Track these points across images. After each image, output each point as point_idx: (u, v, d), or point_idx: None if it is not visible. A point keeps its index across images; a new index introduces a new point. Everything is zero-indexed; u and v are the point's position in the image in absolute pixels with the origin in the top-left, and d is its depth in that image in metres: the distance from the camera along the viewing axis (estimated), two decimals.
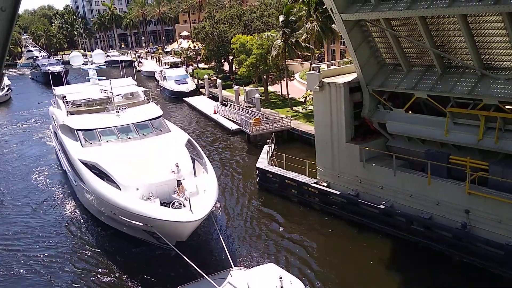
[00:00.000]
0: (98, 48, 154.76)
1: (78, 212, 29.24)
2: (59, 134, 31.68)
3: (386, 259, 21.64)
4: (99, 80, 38.33)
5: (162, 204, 21.72)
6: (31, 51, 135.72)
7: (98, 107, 32.69)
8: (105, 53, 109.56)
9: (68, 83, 42.47)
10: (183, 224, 19.99)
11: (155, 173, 23.33)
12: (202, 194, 22.16)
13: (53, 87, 38.88)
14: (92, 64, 40.75)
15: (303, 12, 46.58)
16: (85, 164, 25.06)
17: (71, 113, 31.67)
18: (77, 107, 33.16)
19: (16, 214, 30.42)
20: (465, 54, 20.55)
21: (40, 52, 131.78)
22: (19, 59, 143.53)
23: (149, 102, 34.05)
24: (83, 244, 25.43)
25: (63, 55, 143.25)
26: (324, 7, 39.94)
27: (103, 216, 25.22)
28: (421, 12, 20.01)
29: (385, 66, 24.43)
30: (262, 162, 31.00)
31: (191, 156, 26.21)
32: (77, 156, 26.02)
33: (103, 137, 27.50)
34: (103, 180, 23.69)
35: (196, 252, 22.02)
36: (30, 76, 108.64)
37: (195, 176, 24.43)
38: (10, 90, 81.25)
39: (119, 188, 22.83)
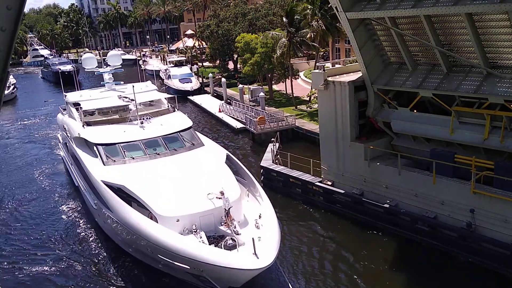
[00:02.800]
0: (103, 47, 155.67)
1: (98, 240, 24.91)
2: (73, 147, 27.70)
3: (390, 258, 21.59)
4: (116, 84, 34.29)
5: (208, 238, 17.91)
6: (37, 49, 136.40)
7: (117, 116, 28.89)
8: (108, 52, 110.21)
9: (79, 83, 38.01)
10: (246, 272, 16.11)
11: (197, 200, 19.15)
12: (258, 227, 18.45)
13: (64, 93, 34.73)
14: (106, 66, 36.33)
15: (308, 11, 46.55)
16: (110, 186, 21.11)
17: (88, 123, 27.47)
18: (89, 115, 29.38)
19: (25, 239, 26.13)
20: (470, 52, 20.46)
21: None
22: (25, 58, 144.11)
23: (174, 111, 29.55)
24: (108, 282, 21.23)
25: (69, 54, 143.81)
26: (329, 6, 39.93)
27: (131, 248, 21.46)
28: (427, 10, 19.93)
29: (390, 64, 24.37)
30: (267, 160, 31.01)
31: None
32: (100, 177, 22.05)
33: (127, 152, 23.59)
34: (130, 205, 19.93)
35: None
36: (40, 75, 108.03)
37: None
38: (16, 89, 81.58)
39: (154, 218, 18.77)
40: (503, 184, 19.02)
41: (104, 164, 23.32)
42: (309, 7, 46.36)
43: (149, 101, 31.06)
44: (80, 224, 27.36)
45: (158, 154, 23.72)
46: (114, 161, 23.31)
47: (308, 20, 46.85)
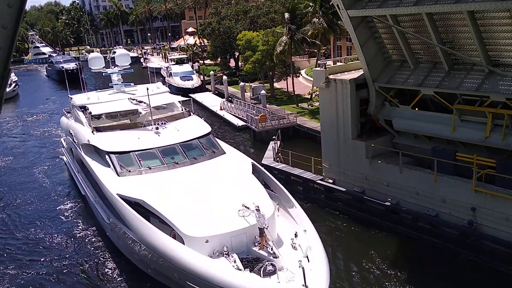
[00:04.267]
0: (104, 45, 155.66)
1: (111, 258, 22.59)
2: (81, 155, 25.50)
3: (391, 256, 21.60)
4: (125, 86, 31.75)
5: (241, 261, 15.78)
6: (38, 47, 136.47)
7: (128, 121, 26.89)
8: (112, 49, 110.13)
9: (83, 81, 35.18)
10: None
11: (227, 217, 17.07)
12: (295, 247, 16.59)
13: (69, 95, 32.13)
14: (115, 67, 33.49)
15: (310, 8, 46.51)
16: (127, 201, 19.03)
17: (98, 129, 25.12)
18: (96, 119, 27.18)
19: (28, 255, 23.79)
20: (472, 50, 20.42)
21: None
22: (26, 55, 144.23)
23: (190, 115, 27.28)
24: None
25: (70, 51, 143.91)
26: (330, 3, 39.86)
27: (150, 269, 19.27)
28: (428, 8, 19.90)
29: (391, 62, 24.33)
30: (268, 158, 31.02)
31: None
32: (115, 190, 19.97)
33: (143, 162, 21.51)
34: (149, 220, 17.96)
35: None
36: (45, 73, 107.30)
37: None
38: (17, 86, 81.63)
39: (179, 238, 16.66)
40: (505, 182, 19.01)
41: (118, 175, 21.26)
42: (311, 4, 46.31)
43: (163, 105, 28.65)
44: (90, 239, 24.94)
45: (177, 163, 21.66)
46: (129, 171, 21.27)
47: (309, 18, 46.84)
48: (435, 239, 21.45)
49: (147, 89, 25.52)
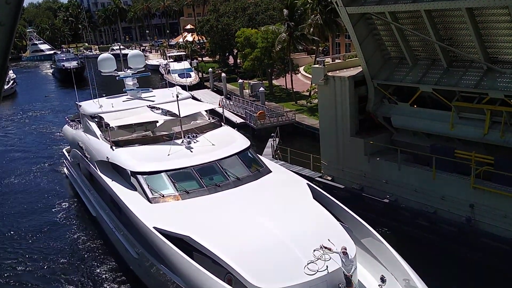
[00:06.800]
0: (103, 42, 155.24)
1: None
2: (98, 174, 21.65)
3: None
4: (142, 91, 27.50)
5: None
6: (36, 44, 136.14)
7: (149, 133, 23.08)
8: (110, 46, 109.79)
9: (84, 80, 31.16)
10: None
11: (300, 260, 13.17)
12: None
13: (77, 102, 28.47)
14: (127, 69, 28.90)
15: (308, 5, 46.46)
16: (167, 235, 15.00)
17: (116, 143, 20.88)
18: (107, 128, 22.89)
19: None
20: (471, 47, 20.41)
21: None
22: (24, 52, 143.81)
23: (221, 125, 23.01)
24: None
25: (68, 48, 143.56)
26: (329, 0, 39.83)
27: None
28: (427, 5, 19.90)
29: (390, 59, 24.33)
30: (267, 156, 30.97)
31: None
32: (151, 222, 15.80)
33: (178, 184, 17.51)
34: (192, 257, 14.18)
35: None
36: (50, 72, 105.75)
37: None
38: (15, 84, 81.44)
39: (240, 285, 12.96)
40: (503, 179, 19.03)
41: (150, 201, 17.28)
42: (310, 1, 46.27)
43: (193, 114, 23.77)
44: (110, 272, 21.18)
45: (218, 185, 17.61)
46: (163, 196, 17.27)
47: (308, 15, 46.81)
48: (434, 236, 21.49)
49: (177, 96, 21.35)
